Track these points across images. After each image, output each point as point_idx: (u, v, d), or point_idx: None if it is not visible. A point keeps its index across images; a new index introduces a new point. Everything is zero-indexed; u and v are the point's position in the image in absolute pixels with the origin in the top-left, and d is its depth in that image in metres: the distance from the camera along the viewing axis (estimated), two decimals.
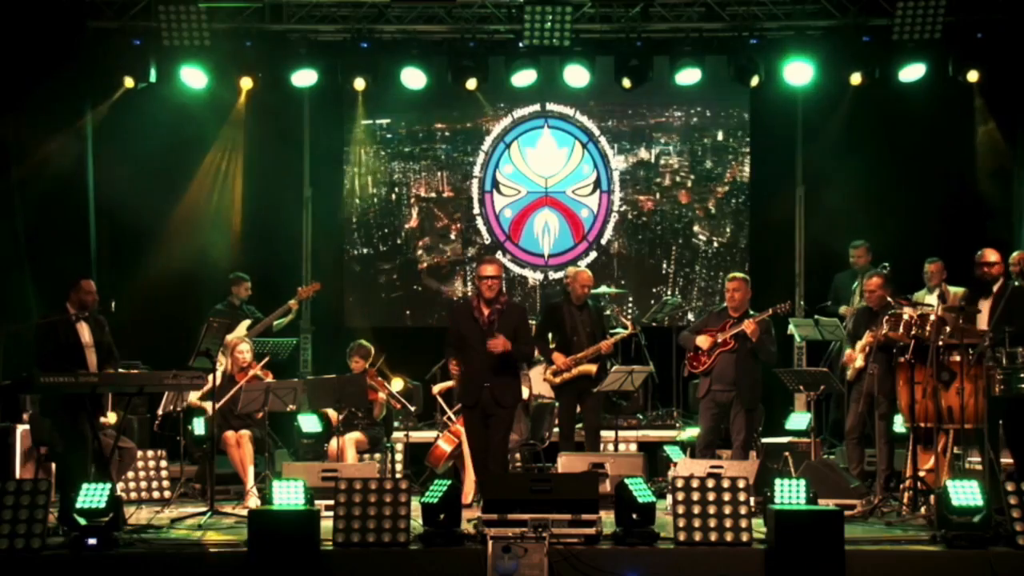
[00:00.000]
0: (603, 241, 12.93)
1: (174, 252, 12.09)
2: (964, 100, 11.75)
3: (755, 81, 11.71)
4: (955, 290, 9.44)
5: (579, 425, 10.15)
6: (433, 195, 13.06)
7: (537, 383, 10.37)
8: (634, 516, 7.09)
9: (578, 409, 9.93)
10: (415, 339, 12.05)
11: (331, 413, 10.02)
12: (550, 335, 9.99)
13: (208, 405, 9.29)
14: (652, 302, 12.47)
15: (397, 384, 10.32)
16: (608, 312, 11.01)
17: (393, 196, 13.02)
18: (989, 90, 11.62)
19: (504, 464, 8.35)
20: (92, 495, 7.11)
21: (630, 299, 12.46)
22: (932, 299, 9.16)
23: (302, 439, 10.50)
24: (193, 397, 9.64)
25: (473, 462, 8.48)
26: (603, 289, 11.75)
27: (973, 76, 11.40)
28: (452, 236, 13.02)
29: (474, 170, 12.94)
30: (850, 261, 11.17)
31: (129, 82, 11.57)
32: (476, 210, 12.92)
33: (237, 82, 11.74)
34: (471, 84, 11.83)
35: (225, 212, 12.31)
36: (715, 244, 12.92)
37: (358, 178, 13.01)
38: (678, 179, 12.97)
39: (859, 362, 9.13)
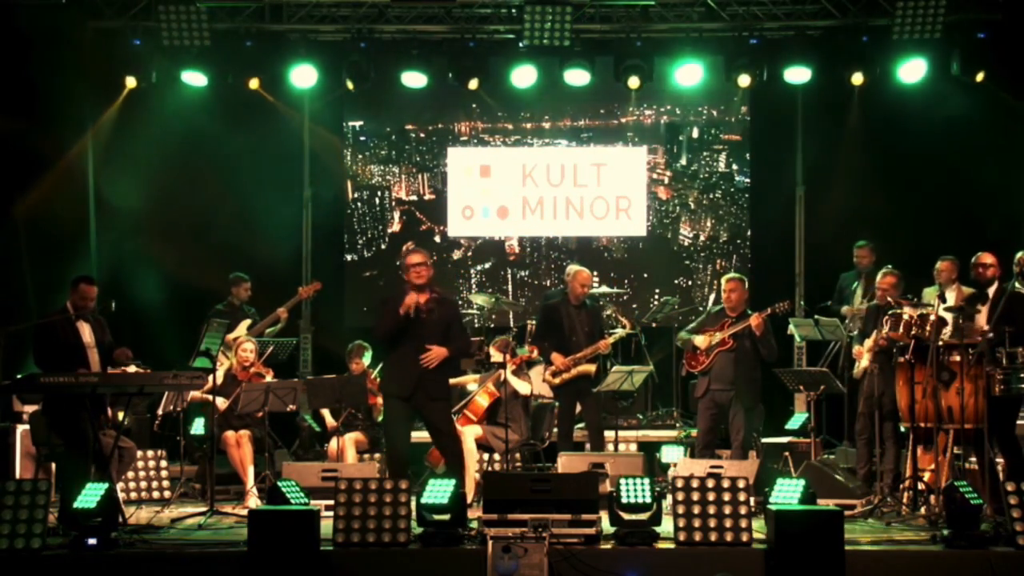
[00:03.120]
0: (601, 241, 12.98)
1: (174, 252, 12.10)
2: (964, 99, 11.74)
3: (746, 81, 11.70)
4: (967, 291, 9.42)
5: (579, 425, 10.17)
6: (414, 198, 13.05)
7: (537, 383, 10.37)
8: (622, 516, 7.08)
9: (578, 409, 9.94)
10: None
11: (327, 416, 10.05)
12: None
13: (220, 401, 9.39)
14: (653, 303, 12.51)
15: None
16: (609, 312, 11.02)
17: (376, 200, 13.01)
18: (989, 90, 11.61)
19: (460, 460, 8.39)
20: (90, 495, 7.11)
21: (623, 298, 12.46)
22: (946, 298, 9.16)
23: (312, 438, 10.51)
24: (197, 392, 9.64)
25: (388, 457, 8.41)
26: (603, 289, 11.77)
27: (979, 76, 11.41)
28: (437, 239, 13.00)
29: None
30: (853, 261, 11.18)
31: (132, 82, 11.58)
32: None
33: (237, 82, 11.74)
34: (473, 84, 11.84)
35: (225, 212, 12.30)
36: (715, 243, 12.93)
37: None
38: (677, 178, 12.98)
39: (865, 361, 9.13)
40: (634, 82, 11.73)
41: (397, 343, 8.24)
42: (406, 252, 8.58)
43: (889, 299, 8.96)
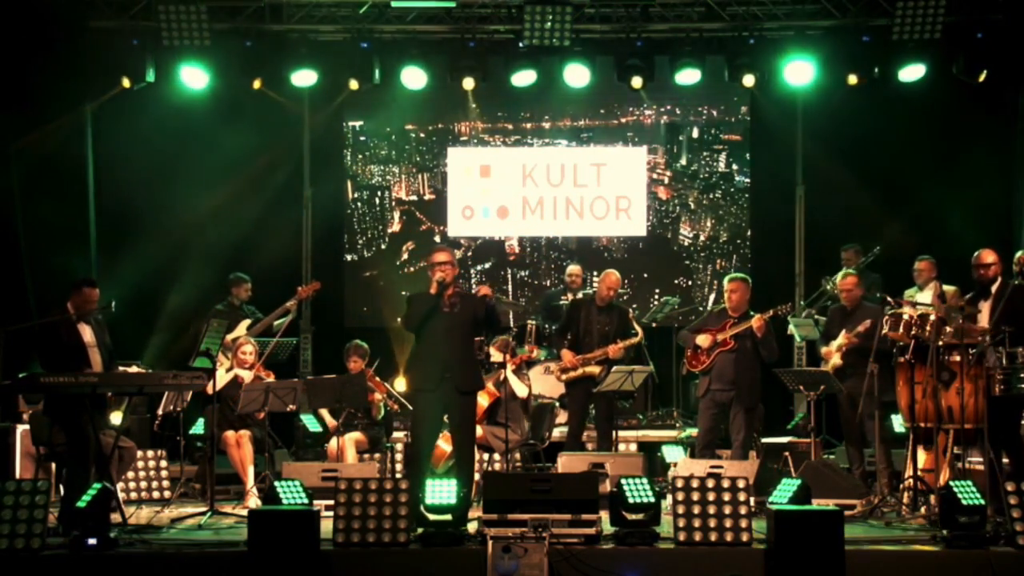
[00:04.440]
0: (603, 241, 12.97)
1: (174, 252, 12.10)
2: (963, 100, 11.75)
3: (750, 81, 11.71)
4: (947, 288, 9.41)
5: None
6: (414, 198, 13.04)
7: (537, 383, 10.37)
8: (626, 516, 7.08)
9: (591, 409, 9.98)
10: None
11: (326, 416, 10.05)
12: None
13: (245, 374, 9.48)
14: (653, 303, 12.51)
15: (400, 384, 10.30)
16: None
17: (376, 200, 13.00)
18: (988, 90, 11.61)
19: (471, 461, 8.33)
20: (88, 495, 7.10)
21: (623, 298, 12.45)
22: (924, 297, 9.15)
23: (307, 439, 10.51)
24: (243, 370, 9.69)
25: (414, 451, 8.37)
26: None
27: (981, 77, 11.40)
28: (437, 239, 12.98)
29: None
30: (841, 264, 11.16)
31: (126, 82, 11.57)
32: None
33: (237, 82, 11.74)
34: (468, 84, 11.84)
35: (225, 212, 12.31)
36: (715, 243, 12.93)
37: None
38: (677, 178, 12.98)
39: (836, 360, 9.15)
40: (637, 82, 11.73)
41: (422, 337, 8.20)
42: (431, 251, 8.52)
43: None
